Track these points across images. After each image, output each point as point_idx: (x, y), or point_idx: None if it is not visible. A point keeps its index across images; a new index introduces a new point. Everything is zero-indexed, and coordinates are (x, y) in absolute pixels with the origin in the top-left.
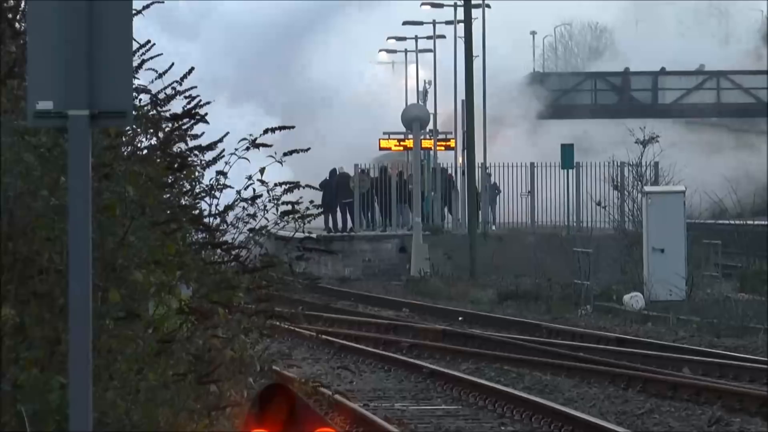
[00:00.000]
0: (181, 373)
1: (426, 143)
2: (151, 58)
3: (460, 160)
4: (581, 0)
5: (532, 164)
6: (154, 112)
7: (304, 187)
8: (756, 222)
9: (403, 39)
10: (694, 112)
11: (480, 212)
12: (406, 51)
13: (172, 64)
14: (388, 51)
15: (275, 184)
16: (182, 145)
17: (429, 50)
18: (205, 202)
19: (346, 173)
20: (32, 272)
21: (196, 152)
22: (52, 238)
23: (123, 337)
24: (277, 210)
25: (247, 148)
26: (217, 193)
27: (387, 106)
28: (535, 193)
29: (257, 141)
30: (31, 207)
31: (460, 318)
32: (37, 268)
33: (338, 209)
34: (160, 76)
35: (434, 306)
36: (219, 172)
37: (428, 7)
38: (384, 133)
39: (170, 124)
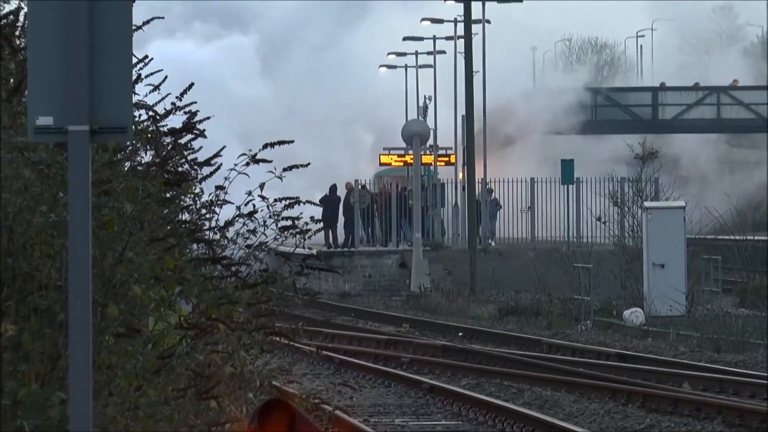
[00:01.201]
0: (181, 388)
1: (426, 158)
2: (152, 73)
3: (460, 175)
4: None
5: (532, 179)
6: (153, 127)
7: (304, 203)
8: (756, 237)
9: (404, 54)
10: (694, 128)
11: (480, 227)
12: (406, 66)
13: (166, 77)
14: (389, 66)
15: (275, 200)
16: (181, 159)
17: (429, 66)
18: (205, 218)
19: (351, 188)
20: (32, 288)
21: (195, 167)
22: (52, 254)
23: (123, 352)
24: (276, 225)
25: (247, 164)
26: (216, 209)
27: (387, 121)
28: (536, 209)
29: (257, 156)
30: (30, 223)
31: (460, 333)
32: (37, 284)
33: (340, 224)
34: (156, 88)
35: (434, 321)
36: (218, 187)
37: (428, 22)
38: (384, 149)
39: (169, 139)
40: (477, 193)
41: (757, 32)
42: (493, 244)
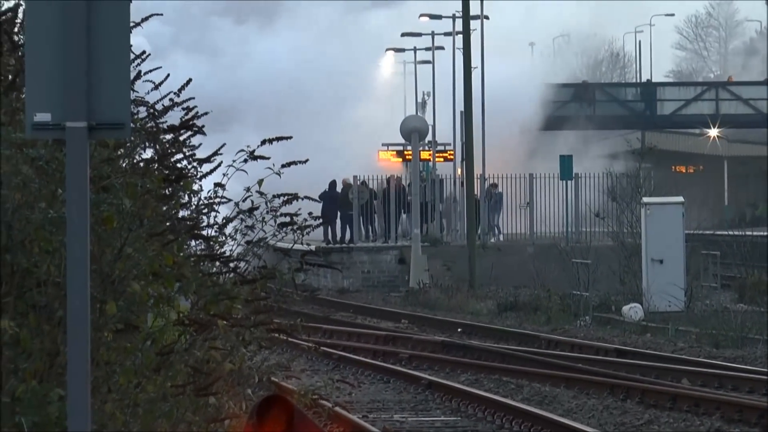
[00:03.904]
0: (180, 385)
1: (425, 154)
2: (150, 71)
3: (459, 171)
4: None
5: (530, 175)
6: (152, 124)
7: (302, 199)
8: (754, 233)
9: (402, 50)
10: (693, 123)
11: (479, 223)
12: (404, 62)
13: (168, 75)
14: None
15: (273, 196)
16: (180, 156)
17: (428, 62)
18: (204, 214)
19: (348, 184)
20: (31, 284)
21: (194, 164)
22: (51, 250)
23: (121, 349)
24: (275, 221)
25: (245, 161)
26: (216, 206)
27: (386, 117)
28: (534, 204)
29: (255, 153)
30: (29, 219)
31: (459, 329)
32: (36, 281)
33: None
34: (157, 87)
35: (433, 317)
36: (217, 184)
37: (427, 18)
38: (383, 145)
39: (169, 136)
40: (477, 190)
41: (756, 27)
42: (501, 238)
